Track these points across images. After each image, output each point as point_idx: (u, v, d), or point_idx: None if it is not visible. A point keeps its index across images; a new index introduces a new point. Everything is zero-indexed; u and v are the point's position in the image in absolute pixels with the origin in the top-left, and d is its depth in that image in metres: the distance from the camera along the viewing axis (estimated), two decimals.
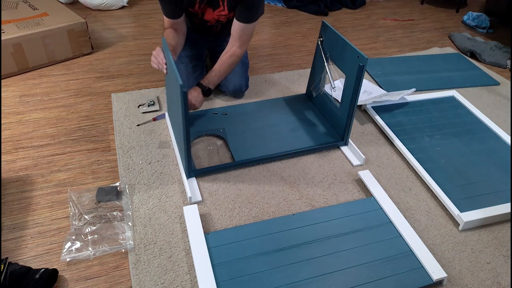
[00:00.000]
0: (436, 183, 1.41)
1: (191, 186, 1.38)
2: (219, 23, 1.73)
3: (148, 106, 1.76)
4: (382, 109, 1.79)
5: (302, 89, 1.93)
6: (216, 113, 1.73)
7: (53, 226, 1.25)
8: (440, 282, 1.13)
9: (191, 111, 1.68)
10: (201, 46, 1.87)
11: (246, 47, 1.71)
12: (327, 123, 1.69)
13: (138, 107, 1.77)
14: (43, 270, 1.07)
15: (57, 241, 1.21)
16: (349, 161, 1.54)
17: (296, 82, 2.01)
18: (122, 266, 1.15)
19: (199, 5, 1.60)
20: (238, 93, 1.83)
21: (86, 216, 1.26)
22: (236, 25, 1.62)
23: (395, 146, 1.61)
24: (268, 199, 1.37)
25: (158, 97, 1.83)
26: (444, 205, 1.36)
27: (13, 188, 1.37)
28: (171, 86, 1.40)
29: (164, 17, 1.60)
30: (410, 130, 1.68)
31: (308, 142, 1.59)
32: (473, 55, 2.36)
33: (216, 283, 1.07)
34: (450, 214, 1.33)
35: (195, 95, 1.63)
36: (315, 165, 1.52)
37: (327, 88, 1.70)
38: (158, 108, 1.76)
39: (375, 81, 2.07)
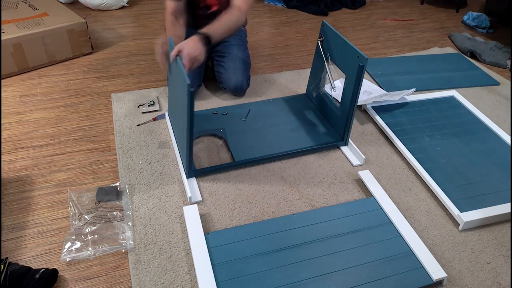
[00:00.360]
0: (436, 183, 1.41)
1: (191, 186, 1.38)
2: (221, 7, 1.72)
3: (148, 106, 1.76)
4: (382, 109, 1.79)
5: (302, 89, 1.93)
6: (216, 113, 1.73)
7: (53, 226, 1.25)
8: (440, 282, 1.13)
9: (190, 70, 1.42)
10: None
11: (249, 4, 1.64)
12: (327, 123, 1.68)
13: (138, 107, 1.77)
14: (43, 270, 1.07)
15: (57, 241, 1.21)
16: (349, 161, 1.54)
17: (296, 82, 2.01)
18: (122, 266, 1.15)
19: None
20: (239, 90, 1.83)
21: (86, 216, 1.26)
22: None
23: (395, 146, 1.61)
24: (268, 199, 1.37)
25: (158, 97, 1.83)
26: (444, 205, 1.36)
27: (13, 188, 1.37)
28: (175, 85, 1.39)
29: (167, 1, 1.58)
30: (410, 130, 1.68)
31: (308, 142, 1.59)
32: (473, 55, 2.36)
33: (216, 283, 1.07)
34: (450, 214, 1.34)
35: (192, 45, 1.41)
36: (315, 165, 1.52)
37: (327, 88, 1.70)
38: (158, 108, 1.76)
39: (375, 81, 2.07)
